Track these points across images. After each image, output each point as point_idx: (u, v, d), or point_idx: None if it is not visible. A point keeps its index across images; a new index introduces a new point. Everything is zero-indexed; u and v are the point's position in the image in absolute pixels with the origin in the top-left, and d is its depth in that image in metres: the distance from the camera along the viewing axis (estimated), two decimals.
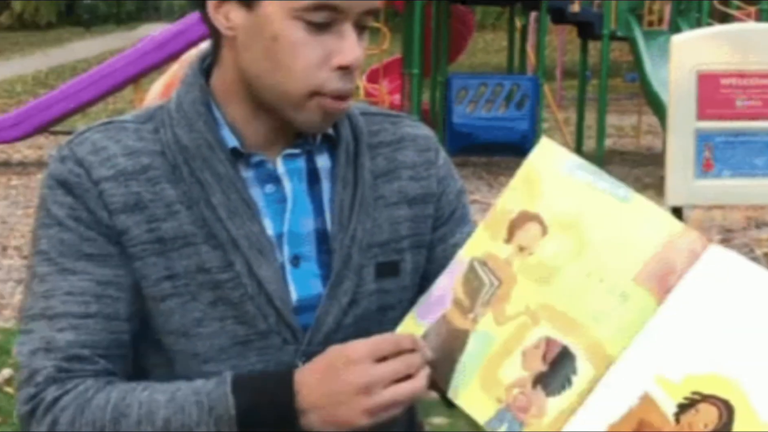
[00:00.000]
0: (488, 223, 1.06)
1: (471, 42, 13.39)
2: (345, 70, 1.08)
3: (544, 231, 1.01)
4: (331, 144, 1.18)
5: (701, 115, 5.04)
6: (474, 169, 9.73)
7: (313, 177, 1.17)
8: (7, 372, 3.67)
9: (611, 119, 12.31)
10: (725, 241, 6.42)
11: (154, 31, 12.16)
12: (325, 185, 1.17)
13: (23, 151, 10.62)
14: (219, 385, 1.04)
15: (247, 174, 1.13)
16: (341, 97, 1.09)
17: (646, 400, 0.88)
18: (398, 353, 1.02)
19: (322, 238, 1.15)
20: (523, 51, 12.26)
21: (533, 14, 11.79)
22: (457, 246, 1.20)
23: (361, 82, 10.39)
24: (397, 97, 10.78)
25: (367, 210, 1.16)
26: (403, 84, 10.60)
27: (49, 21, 34.51)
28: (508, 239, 1.03)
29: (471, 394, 1.00)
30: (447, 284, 1.07)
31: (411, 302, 1.20)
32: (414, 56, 9.69)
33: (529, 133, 9.83)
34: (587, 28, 10.99)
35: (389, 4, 10.82)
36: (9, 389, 3.50)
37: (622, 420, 0.88)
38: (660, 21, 11.82)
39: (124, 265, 1.10)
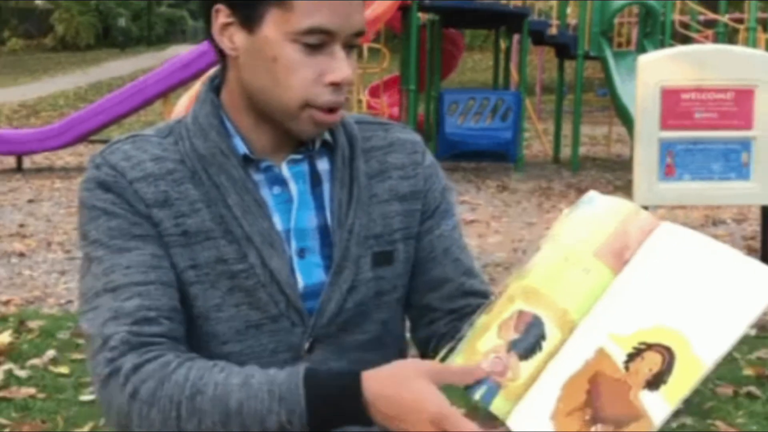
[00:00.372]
0: (516, 270, 1.05)
1: (461, 61, 13.40)
2: (336, 86, 1.08)
3: (539, 249, 1.01)
4: (329, 149, 1.18)
5: (664, 126, 5.04)
6: (464, 173, 9.73)
7: (314, 179, 1.17)
8: (51, 353, 3.66)
9: (585, 129, 12.30)
10: None
11: (180, 52, 12.15)
12: (326, 186, 1.17)
13: (65, 157, 10.64)
14: (291, 377, 0.99)
15: (258, 177, 1.14)
16: (332, 109, 1.10)
17: (600, 353, 0.89)
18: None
19: (324, 232, 1.15)
20: (507, 69, 12.26)
21: (516, 37, 11.79)
22: (442, 236, 1.22)
23: (364, 96, 10.39)
24: (395, 110, 10.77)
25: (363, 207, 1.16)
26: (401, 98, 10.60)
27: (87, 43, 34.54)
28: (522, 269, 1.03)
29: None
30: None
31: (404, 287, 1.21)
32: (410, 74, 9.70)
33: (512, 142, 9.84)
34: (564, 49, 11.00)
35: (389, 28, 10.83)
36: (53, 368, 3.50)
37: (579, 372, 0.89)
38: (628, 42, 11.83)
39: (165, 248, 1.09)
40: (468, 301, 1.20)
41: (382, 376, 0.96)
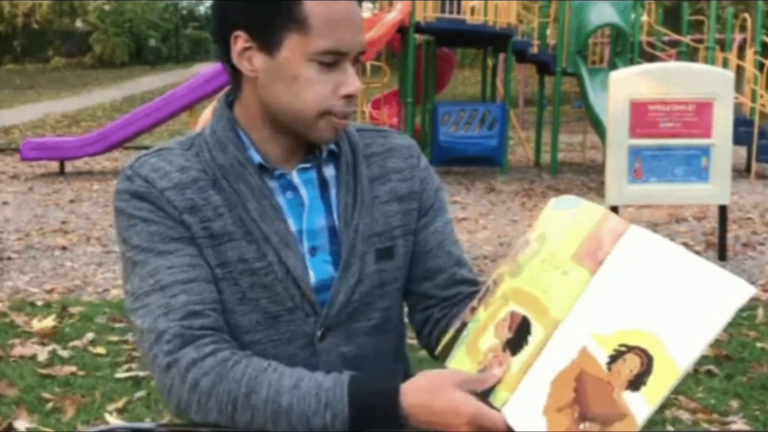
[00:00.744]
0: (505, 259, 1.06)
1: (453, 77, 13.37)
2: (349, 97, 1.09)
3: (528, 245, 1.01)
4: (334, 157, 1.17)
5: (633, 134, 5.04)
6: (455, 176, 9.72)
7: (322, 184, 1.16)
8: (90, 335, 3.66)
9: (563, 137, 12.30)
10: None
11: (204, 69, 12.14)
12: (332, 190, 1.16)
13: (102, 162, 10.63)
14: (337, 384, 0.98)
15: (272, 184, 1.13)
16: (345, 116, 1.10)
17: (584, 353, 0.87)
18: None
19: (332, 232, 1.15)
20: (493, 84, 12.25)
21: (501, 55, 11.77)
22: (436, 232, 1.22)
23: (367, 108, 10.37)
24: (395, 120, 10.76)
25: (366, 208, 1.16)
26: (399, 110, 10.58)
27: (122, 61, 34.50)
28: (512, 261, 1.03)
29: (459, 361, 1.01)
30: (473, 301, 1.07)
31: (403, 278, 1.21)
32: (408, 88, 9.69)
33: (498, 148, 9.83)
34: (544, 66, 10.99)
35: (389, 48, 10.81)
36: (92, 349, 3.50)
37: (566, 369, 0.88)
38: (601, 60, 11.82)
39: (198, 249, 1.09)
40: (459, 289, 1.21)
41: (418, 388, 0.96)
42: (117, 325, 3.81)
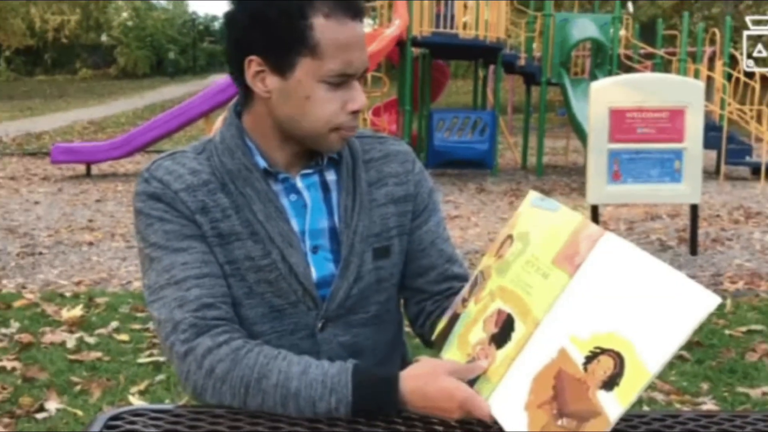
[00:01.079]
0: (490, 250, 1.05)
1: (447, 87, 13.36)
2: (356, 112, 1.09)
3: (513, 242, 1.01)
4: (335, 162, 1.17)
5: (612, 139, 5.05)
6: (449, 178, 9.72)
7: (324, 188, 1.16)
8: (114, 324, 3.66)
9: (548, 142, 12.30)
10: (629, 230, 6.41)
11: (219, 79, 12.13)
12: (333, 194, 1.16)
13: (126, 165, 10.63)
14: (341, 372, 0.97)
15: (277, 187, 1.12)
16: (352, 128, 1.10)
17: (563, 353, 0.86)
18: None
19: (333, 232, 1.14)
20: (484, 93, 12.26)
21: (491, 67, 11.77)
22: (429, 231, 1.21)
23: (368, 116, 10.36)
24: (394, 127, 10.75)
25: (365, 210, 1.15)
26: (398, 117, 10.58)
27: (144, 72, 34.52)
28: (497, 254, 1.03)
29: (451, 352, 1.01)
30: (463, 291, 1.07)
31: (399, 274, 1.21)
32: (406, 97, 9.69)
33: (489, 152, 9.83)
34: (530, 77, 10.99)
35: (388, 60, 10.79)
36: (116, 336, 3.50)
37: (545, 369, 0.87)
38: (583, 71, 11.81)
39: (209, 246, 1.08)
40: (451, 284, 1.21)
41: (416, 375, 0.96)
42: (139, 314, 3.81)
